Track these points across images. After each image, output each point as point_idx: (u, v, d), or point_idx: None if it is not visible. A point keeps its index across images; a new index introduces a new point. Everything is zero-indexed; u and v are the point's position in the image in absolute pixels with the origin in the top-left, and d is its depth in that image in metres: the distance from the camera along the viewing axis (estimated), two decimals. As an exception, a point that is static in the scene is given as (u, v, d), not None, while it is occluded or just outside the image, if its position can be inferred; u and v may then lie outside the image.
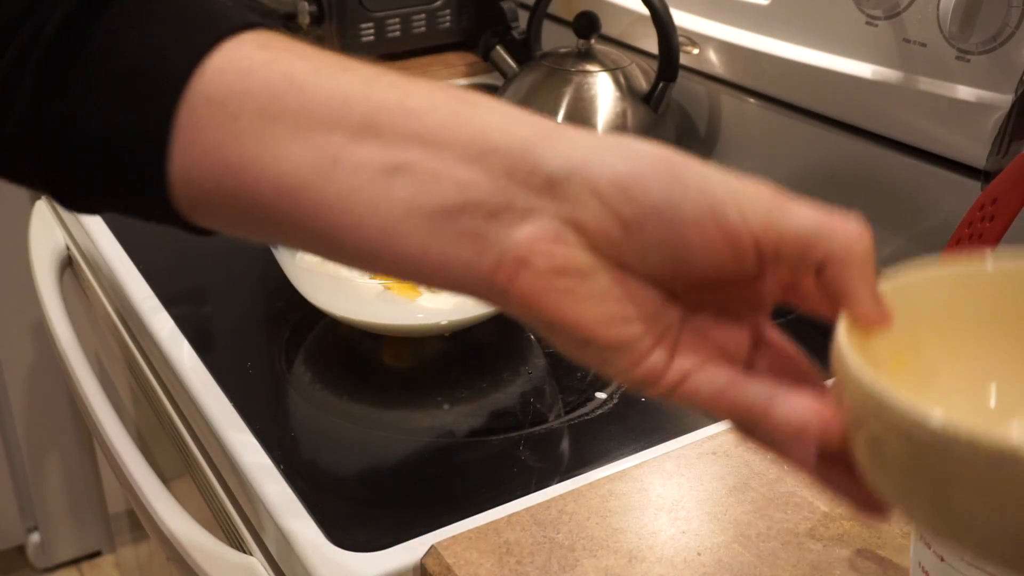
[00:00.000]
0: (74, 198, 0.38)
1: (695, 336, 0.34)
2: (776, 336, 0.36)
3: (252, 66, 0.34)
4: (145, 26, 0.35)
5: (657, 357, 0.33)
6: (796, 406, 0.31)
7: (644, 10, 0.95)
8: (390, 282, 0.71)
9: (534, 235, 0.31)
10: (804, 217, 0.31)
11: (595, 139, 0.32)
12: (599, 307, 0.32)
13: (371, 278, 0.72)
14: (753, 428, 0.32)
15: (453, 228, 0.32)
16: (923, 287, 0.34)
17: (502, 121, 0.32)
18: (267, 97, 0.33)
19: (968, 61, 0.75)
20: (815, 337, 0.83)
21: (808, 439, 0.31)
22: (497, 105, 0.33)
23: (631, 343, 0.32)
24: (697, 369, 0.33)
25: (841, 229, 0.31)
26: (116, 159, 0.35)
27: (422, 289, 0.71)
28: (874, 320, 0.32)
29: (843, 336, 0.31)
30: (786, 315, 0.85)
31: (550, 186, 0.31)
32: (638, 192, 0.31)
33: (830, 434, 0.31)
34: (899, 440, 0.28)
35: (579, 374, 0.71)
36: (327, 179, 0.32)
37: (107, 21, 0.35)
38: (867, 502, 0.32)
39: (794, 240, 0.31)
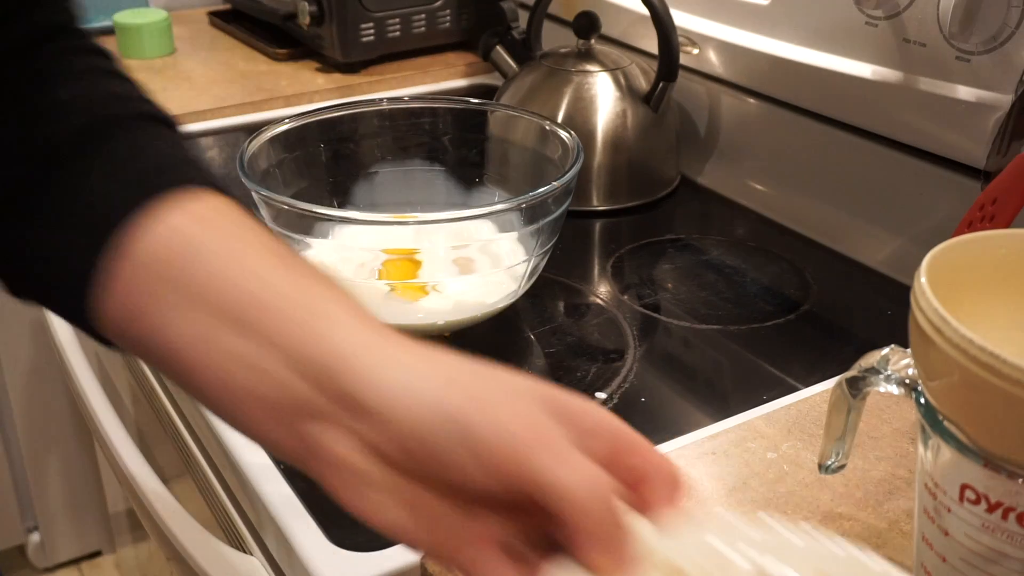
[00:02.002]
0: (22, 296, 0.47)
1: (472, 524, 0.38)
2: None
3: (171, 237, 0.41)
4: (99, 171, 0.44)
5: (431, 539, 0.38)
6: None
7: (644, 10, 0.95)
8: (393, 282, 0.71)
9: (333, 443, 0.38)
10: (548, 468, 0.36)
11: (407, 380, 0.37)
12: (375, 501, 0.38)
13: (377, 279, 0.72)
14: None
15: (281, 419, 0.39)
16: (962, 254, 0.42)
17: (327, 335, 0.38)
18: (176, 269, 0.41)
19: (968, 61, 0.75)
20: (814, 337, 0.83)
21: None
22: (328, 310, 0.39)
23: (404, 531, 0.38)
24: (463, 547, 0.38)
25: (576, 486, 0.36)
26: (54, 287, 0.44)
27: (429, 289, 0.71)
28: (600, 570, 0.36)
29: (943, 310, 0.38)
30: (787, 315, 0.85)
31: (363, 413, 0.37)
32: (423, 437, 0.36)
33: None
34: (1012, 387, 0.35)
35: (579, 374, 0.71)
36: (201, 354, 0.40)
37: (78, 160, 0.44)
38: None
39: (536, 486, 0.36)
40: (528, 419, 0.37)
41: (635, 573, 0.36)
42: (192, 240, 0.41)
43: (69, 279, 0.42)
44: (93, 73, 0.48)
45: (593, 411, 0.39)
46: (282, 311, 0.39)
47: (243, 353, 0.39)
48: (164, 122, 0.47)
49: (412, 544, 0.39)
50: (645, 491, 0.39)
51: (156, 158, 0.45)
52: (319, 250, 0.74)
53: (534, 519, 0.38)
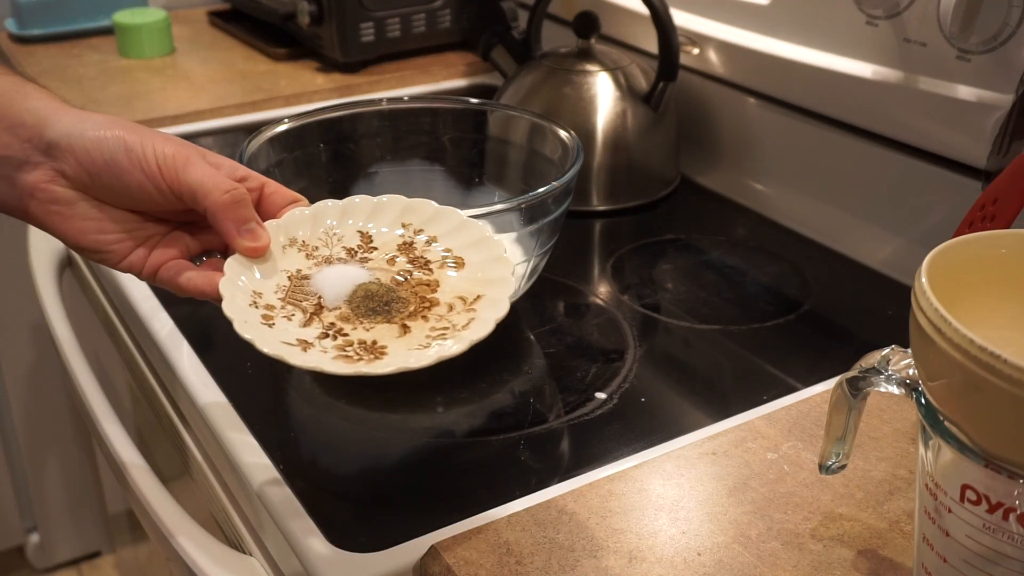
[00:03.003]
0: None
1: (172, 242, 0.53)
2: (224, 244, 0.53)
3: None
4: None
5: (136, 255, 0.52)
6: (193, 279, 0.51)
7: (644, 10, 0.95)
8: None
9: (38, 179, 0.50)
10: (195, 175, 0.50)
11: (83, 120, 0.50)
12: (80, 224, 0.51)
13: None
14: (180, 293, 0.52)
15: (2, 175, 0.50)
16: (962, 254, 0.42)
17: (36, 107, 0.50)
18: None
19: (968, 61, 0.75)
20: (814, 337, 0.83)
21: (202, 296, 0.51)
22: (37, 94, 0.51)
23: (109, 246, 0.51)
24: (166, 262, 0.52)
25: (215, 187, 0.50)
26: None
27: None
28: (248, 252, 0.51)
29: (944, 310, 0.38)
30: (787, 315, 0.85)
31: (49, 150, 0.50)
32: (96, 155, 0.49)
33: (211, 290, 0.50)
34: (1013, 387, 0.35)
35: (579, 374, 0.71)
36: None
37: None
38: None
39: (189, 191, 0.50)
40: (179, 148, 0.50)
41: (267, 248, 0.51)
42: None
43: None
44: None
45: (242, 167, 0.52)
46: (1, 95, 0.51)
47: None
48: None
49: (115, 259, 0.51)
50: (281, 212, 0.53)
51: None
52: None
53: (214, 235, 0.51)
